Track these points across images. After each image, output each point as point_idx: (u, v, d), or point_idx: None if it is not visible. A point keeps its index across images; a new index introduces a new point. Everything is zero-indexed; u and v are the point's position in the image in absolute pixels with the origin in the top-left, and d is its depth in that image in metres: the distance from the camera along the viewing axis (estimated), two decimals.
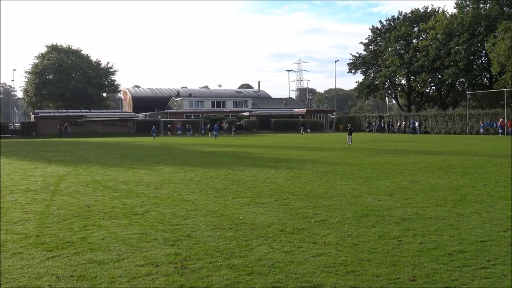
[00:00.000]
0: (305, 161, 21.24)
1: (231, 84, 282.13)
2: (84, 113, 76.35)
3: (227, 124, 70.71)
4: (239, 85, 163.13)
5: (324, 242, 7.16)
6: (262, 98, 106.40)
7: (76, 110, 79.60)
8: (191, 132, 65.97)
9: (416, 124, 62.95)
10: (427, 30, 72.74)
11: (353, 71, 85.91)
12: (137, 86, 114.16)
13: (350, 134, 36.14)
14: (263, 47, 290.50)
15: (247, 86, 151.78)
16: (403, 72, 79.09)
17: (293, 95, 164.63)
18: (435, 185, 12.98)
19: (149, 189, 13.04)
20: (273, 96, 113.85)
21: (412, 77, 78.77)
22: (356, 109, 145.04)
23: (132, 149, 33.52)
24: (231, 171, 17.33)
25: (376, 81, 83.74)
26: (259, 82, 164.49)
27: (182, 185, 13.77)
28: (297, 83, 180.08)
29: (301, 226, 8.23)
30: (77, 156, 26.45)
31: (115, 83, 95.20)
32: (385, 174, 15.73)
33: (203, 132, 59.68)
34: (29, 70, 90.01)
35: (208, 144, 39.34)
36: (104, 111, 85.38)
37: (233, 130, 65.78)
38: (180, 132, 66.58)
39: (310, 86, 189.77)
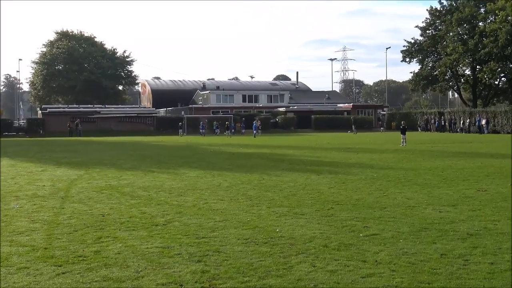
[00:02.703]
0: (352, 165, 21.11)
1: (265, 75, 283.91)
2: (98, 109, 77.58)
3: (259, 121, 70.70)
4: (274, 76, 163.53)
5: (376, 261, 7.09)
6: (300, 91, 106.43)
7: (89, 105, 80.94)
8: (218, 131, 65.53)
9: (483, 122, 61.90)
10: (496, 11, 71.36)
11: (407, 59, 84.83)
12: (158, 78, 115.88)
13: (403, 133, 35.80)
14: (301, 32, 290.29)
15: (284, 77, 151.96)
16: (467, 60, 77.75)
17: (337, 87, 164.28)
18: (507, 195, 12.73)
19: (171, 196, 13.14)
20: (313, 89, 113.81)
21: (478, 67, 77.44)
22: (411, 104, 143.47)
23: (151, 149, 33.91)
24: (265, 176, 17.34)
25: (435, 71, 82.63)
26: (297, 72, 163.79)
27: (209, 191, 13.84)
28: (342, 74, 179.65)
29: (348, 241, 8.18)
30: (90, 157, 26.90)
31: (133, 74, 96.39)
32: (447, 181, 15.54)
33: (233, 130, 59.69)
34: (36, 60, 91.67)
35: (238, 144, 39.48)
36: (120, 106, 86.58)
37: (242, 129, 65.13)
38: (203, 131, 64.92)
39: (357, 77, 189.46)
